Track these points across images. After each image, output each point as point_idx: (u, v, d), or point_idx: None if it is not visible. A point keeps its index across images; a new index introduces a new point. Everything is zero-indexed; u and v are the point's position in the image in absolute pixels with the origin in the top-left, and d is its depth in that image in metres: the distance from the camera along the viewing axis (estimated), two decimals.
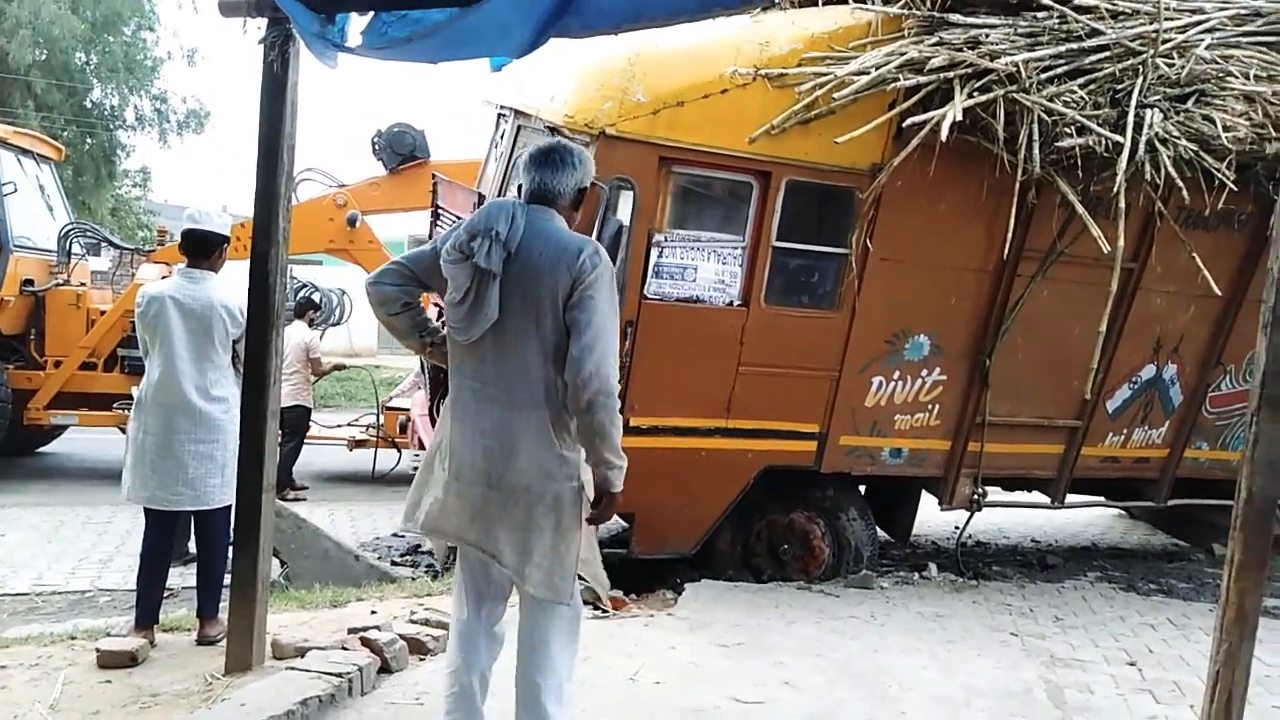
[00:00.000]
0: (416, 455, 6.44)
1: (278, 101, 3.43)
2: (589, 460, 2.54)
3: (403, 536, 7.29)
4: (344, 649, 3.59)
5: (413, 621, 4.04)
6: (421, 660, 3.75)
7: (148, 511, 3.83)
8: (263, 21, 3.33)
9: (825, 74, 4.60)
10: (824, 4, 5.17)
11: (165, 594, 4.03)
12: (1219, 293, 5.11)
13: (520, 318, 2.49)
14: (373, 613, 4.27)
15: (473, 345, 2.54)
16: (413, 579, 5.58)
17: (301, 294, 8.81)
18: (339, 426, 9.59)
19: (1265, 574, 2.53)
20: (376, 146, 8.69)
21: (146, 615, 3.78)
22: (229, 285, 3.89)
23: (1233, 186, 4.77)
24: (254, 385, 3.48)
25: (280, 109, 3.43)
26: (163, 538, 3.87)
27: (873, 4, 4.88)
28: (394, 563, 6.46)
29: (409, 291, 2.71)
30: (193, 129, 22.23)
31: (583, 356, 2.42)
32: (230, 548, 3.67)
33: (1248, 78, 4.97)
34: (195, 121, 22.21)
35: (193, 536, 4.28)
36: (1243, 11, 5.19)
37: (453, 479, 2.59)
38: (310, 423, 8.65)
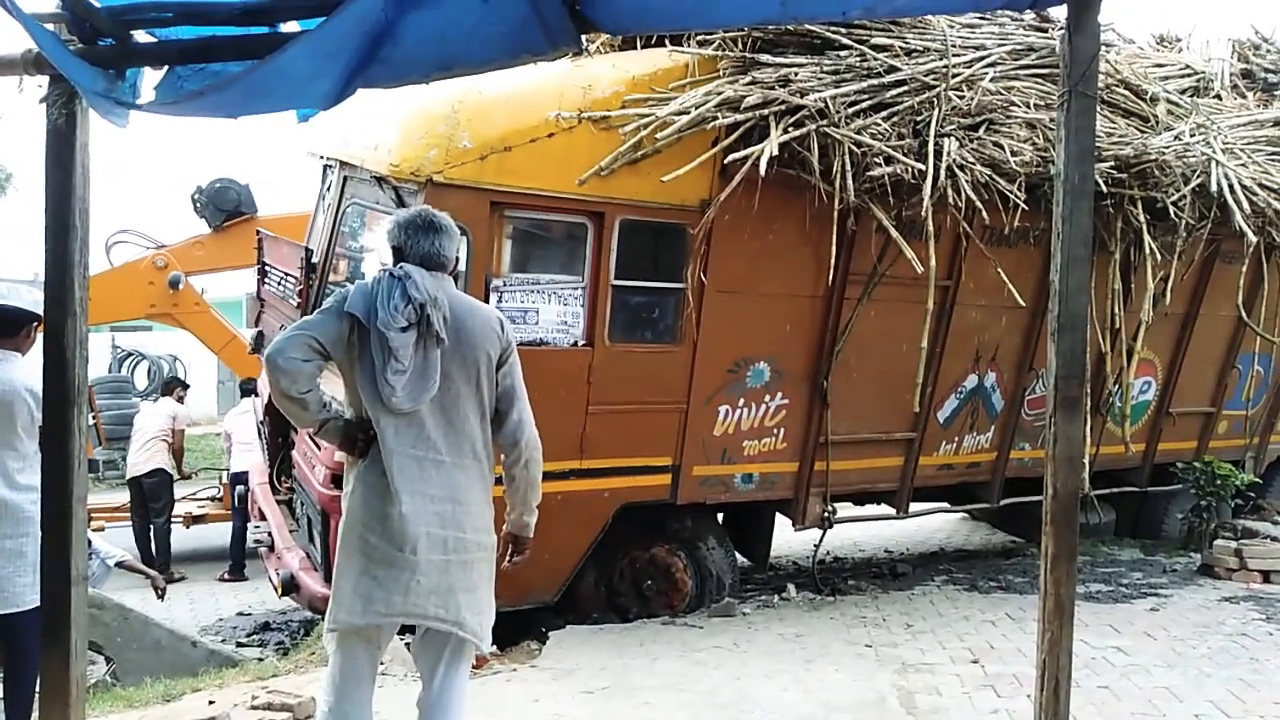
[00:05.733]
0: (256, 526, 6.05)
1: (66, 162, 3.17)
2: (516, 511, 2.78)
3: (249, 615, 6.86)
4: None
5: (254, 708, 3.77)
6: None
7: None
8: (45, 78, 3.11)
9: (648, 115, 4.71)
10: (643, 47, 5.32)
11: None
12: (1023, 303, 5.55)
13: (461, 383, 2.61)
14: (210, 703, 3.96)
15: (411, 414, 2.55)
16: (260, 659, 5.24)
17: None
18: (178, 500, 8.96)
19: (1075, 563, 2.70)
20: (198, 204, 8.30)
21: None
22: (35, 367, 3.54)
23: (1024, 205, 5.20)
24: (56, 468, 3.17)
25: (69, 170, 3.17)
26: None
27: (688, 46, 5.07)
28: (239, 644, 6.07)
29: (320, 366, 2.61)
30: None
31: (522, 419, 2.70)
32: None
33: (1029, 106, 5.47)
34: None
35: None
36: (1018, 47, 5.72)
37: (411, 554, 2.53)
38: (174, 491, 8.28)
